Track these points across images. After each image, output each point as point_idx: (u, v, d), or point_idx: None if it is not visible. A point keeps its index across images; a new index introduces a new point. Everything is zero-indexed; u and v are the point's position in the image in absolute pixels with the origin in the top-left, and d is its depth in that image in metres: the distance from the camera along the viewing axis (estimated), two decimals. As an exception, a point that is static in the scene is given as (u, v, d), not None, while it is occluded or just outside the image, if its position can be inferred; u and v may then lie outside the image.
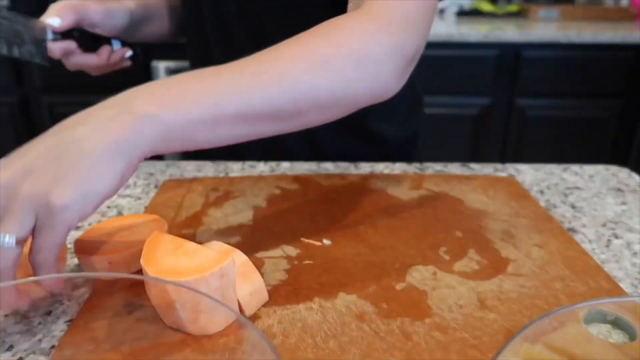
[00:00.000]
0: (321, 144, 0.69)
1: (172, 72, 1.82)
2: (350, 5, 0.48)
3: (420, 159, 0.73)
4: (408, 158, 0.75)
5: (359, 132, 0.69)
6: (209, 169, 0.64)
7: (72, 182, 0.31)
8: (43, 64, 0.59)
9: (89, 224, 0.50)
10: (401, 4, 0.42)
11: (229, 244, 0.42)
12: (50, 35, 0.58)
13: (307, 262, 0.43)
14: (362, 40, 0.40)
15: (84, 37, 0.62)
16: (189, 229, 0.48)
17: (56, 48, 0.59)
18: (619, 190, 0.59)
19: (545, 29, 1.87)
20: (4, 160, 0.33)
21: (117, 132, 0.33)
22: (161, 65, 1.82)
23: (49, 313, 0.37)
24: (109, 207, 0.54)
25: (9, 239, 0.30)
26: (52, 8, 0.58)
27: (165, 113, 0.34)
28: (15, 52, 0.55)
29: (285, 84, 0.37)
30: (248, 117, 0.36)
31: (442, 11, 2.22)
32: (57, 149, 0.32)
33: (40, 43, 0.57)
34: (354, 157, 0.68)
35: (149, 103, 0.34)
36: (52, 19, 0.57)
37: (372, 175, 0.61)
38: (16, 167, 0.31)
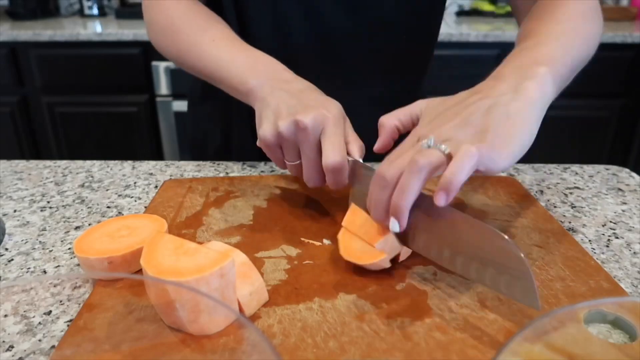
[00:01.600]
0: (365, 142, 0.70)
1: (172, 72, 1.82)
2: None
3: None
4: None
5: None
6: (208, 169, 0.64)
7: (503, 142, 0.37)
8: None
9: (89, 224, 0.51)
10: None
11: (229, 244, 0.42)
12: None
13: (307, 262, 0.43)
14: (594, 27, 0.53)
15: None
16: (189, 229, 0.48)
17: None
18: (619, 190, 0.59)
19: (545, 29, 1.87)
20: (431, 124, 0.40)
21: (532, 95, 0.40)
22: (161, 65, 1.82)
23: (49, 313, 0.37)
24: (109, 207, 0.54)
25: (444, 147, 0.36)
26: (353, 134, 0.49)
27: (553, 73, 0.42)
28: None
29: (582, 52, 0.49)
30: (573, 69, 0.47)
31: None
32: (486, 109, 0.38)
33: None
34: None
35: (538, 65, 0.42)
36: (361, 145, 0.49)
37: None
38: (458, 122, 0.38)
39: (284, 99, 0.47)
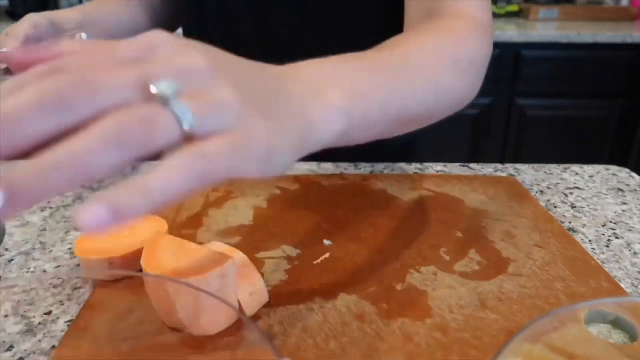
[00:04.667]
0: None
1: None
2: (416, 5, 0.49)
3: (421, 159, 0.73)
4: (408, 158, 0.75)
5: None
6: (209, 169, 0.64)
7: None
8: None
9: (89, 224, 0.50)
10: (488, 7, 0.44)
11: (229, 244, 0.42)
12: None
13: (307, 262, 0.43)
14: (476, 44, 0.40)
15: None
16: (189, 229, 0.48)
17: None
18: (619, 190, 0.59)
19: (545, 28, 1.87)
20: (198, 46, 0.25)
21: (307, 122, 0.28)
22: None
23: (49, 313, 0.37)
24: (109, 207, 0.54)
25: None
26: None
27: (354, 111, 0.30)
28: None
29: (434, 87, 0.36)
30: (404, 119, 0.35)
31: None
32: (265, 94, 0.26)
33: None
34: (356, 155, 0.69)
35: (343, 95, 0.30)
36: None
37: (372, 175, 0.61)
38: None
39: None
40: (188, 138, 0.22)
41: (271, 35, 0.63)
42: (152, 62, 0.23)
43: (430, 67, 0.36)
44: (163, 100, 0.21)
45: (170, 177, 0.20)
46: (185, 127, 0.21)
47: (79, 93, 0.20)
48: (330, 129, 0.29)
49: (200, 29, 0.66)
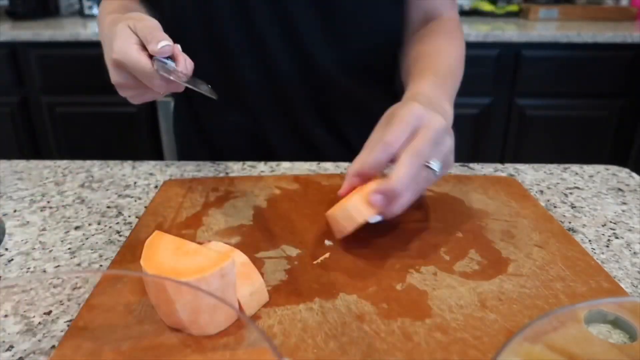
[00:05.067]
0: (352, 142, 0.73)
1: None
2: (416, 15, 0.69)
3: None
4: None
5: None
6: (208, 169, 0.64)
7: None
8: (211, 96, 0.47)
9: (89, 224, 0.50)
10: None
11: (229, 244, 0.42)
12: (166, 61, 0.46)
13: (308, 262, 0.43)
14: (463, 38, 0.67)
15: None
16: (189, 229, 0.48)
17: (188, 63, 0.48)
18: (619, 190, 0.59)
19: (545, 28, 1.87)
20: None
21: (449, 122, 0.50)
22: (161, 65, 1.82)
23: (49, 313, 0.37)
24: (109, 207, 0.54)
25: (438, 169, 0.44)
26: (153, 32, 0.46)
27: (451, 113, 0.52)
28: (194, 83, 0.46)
29: (459, 80, 0.62)
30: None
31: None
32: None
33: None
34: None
35: (448, 105, 0.52)
36: (165, 42, 0.45)
37: (372, 175, 0.61)
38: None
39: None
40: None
41: (291, 27, 0.63)
42: (428, 151, 0.42)
43: (459, 65, 0.62)
44: (433, 167, 0.43)
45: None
46: (438, 173, 0.44)
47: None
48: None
49: (218, 23, 0.64)
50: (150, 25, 0.47)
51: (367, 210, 0.42)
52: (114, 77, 0.48)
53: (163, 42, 0.45)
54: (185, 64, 0.46)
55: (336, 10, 0.64)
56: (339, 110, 0.72)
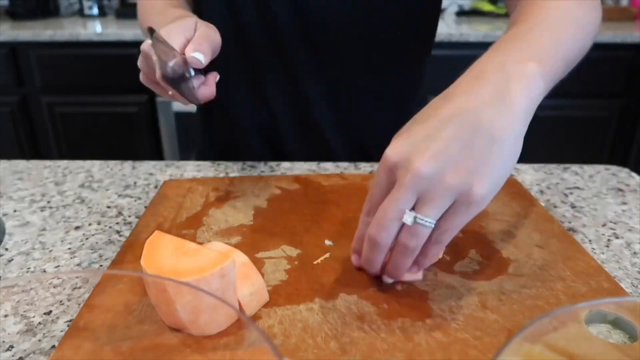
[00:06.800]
0: (364, 141, 0.72)
1: (172, 72, 1.81)
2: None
3: None
4: None
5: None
6: (209, 169, 0.64)
7: (490, 173, 0.34)
8: (194, 103, 0.48)
9: (89, 224, 0.50)
10: None
11: (229, 244, 0.42)
12: (191, 72, 0.46)
13: (308, 262, 0.43)
14: (592, 12, 0.49)
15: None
16: (189, 229, 0.48)
17: (205, 90, 0.47)
18: (619, 190, 0.59)
19: (545, 29, 1.87)
20: (403, 139, 0.35)
21: (518, 107, 0.35)
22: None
23: (49, 313, 0.37)
24: (109, 207, 0.54)
25: (430, 222, 0.34)
26: (202, 41, 0.46)
27: (545, 71, 0.37)
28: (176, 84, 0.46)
29: (579, 42, 0.46)
30: (568, 63, 0.43)
31: (442, 11, 2.23)
32: (467, 136, 0.34)
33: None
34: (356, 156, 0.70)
35: (527, 61, 0.37)
36: (197, 54, 0.44)
37: (372, 175, 0.61)
38: (433, 155, 0.33)
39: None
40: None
41: (310, 20, 0.63)
42: (396, 211, 0.34)
43: (573, 29, 0.45)
44: (422, 224, 0.34)
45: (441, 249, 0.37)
46: (429, 228, 0.34)
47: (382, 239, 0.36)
48: (535, 99, 0.37)
49: (235, 13, 0.64)
50: (207, 34, 0.46)
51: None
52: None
53: (199, 55, 0.44)
54: (207, 88, 0.46)
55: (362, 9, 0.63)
56: (354, 106, 0.71)
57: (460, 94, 0.36)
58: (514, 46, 0.39)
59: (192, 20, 0.48)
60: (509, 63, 0.36)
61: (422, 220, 0.34)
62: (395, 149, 0.35)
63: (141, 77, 0.49)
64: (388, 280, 0.39)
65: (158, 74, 0.44)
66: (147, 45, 0.45)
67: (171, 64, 0.44)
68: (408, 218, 0.34)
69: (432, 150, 0.33)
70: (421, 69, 0.73)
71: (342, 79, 0.68)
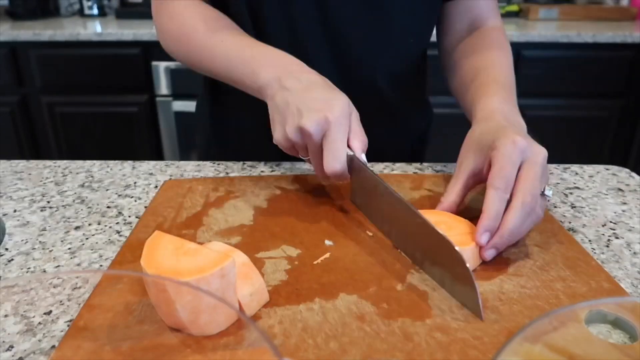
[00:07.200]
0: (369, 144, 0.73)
1: (172, 72, 1.82)
2: (460, 25, 0.69)
3: (426, 158, 0.73)
4: (419, 155, 0.77)
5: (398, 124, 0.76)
6: (209, 169, 0.64)
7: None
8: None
9: (89, 224, 0.50)
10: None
11: (229, 244, 0.42)
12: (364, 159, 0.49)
13: (308, 262, 0.43)
14: (509, 46, 0.66)
15: None
16: (190, 229, 0.48)
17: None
18: (619, 190, 0.59)
19: (545, 28, 1.87)
20: (521, 136, 0.45)
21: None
22: (161, 65, 1.82)
23: (49, 313, 0.37)
24: (109, 207, 0.54)
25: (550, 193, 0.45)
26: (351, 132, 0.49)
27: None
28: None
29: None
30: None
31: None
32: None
33: None
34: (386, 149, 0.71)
35: (519, 117, 0.54)
36: (363, 155, 0.48)
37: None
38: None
39: (290, 100, 0.48)
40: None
41: (331, 15, 0.63)
42: (539, 187, 0.44)
43: (513, 75, 0.61)
44: (547, 194, 0.45)
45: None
46: (550, 196, 0.47)
47: None
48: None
49: (259, 10, 0.63)
50: (357, 118, 0.50)
51: (477, 260, 0.42)
52: (283, 141, 0.50)
53: (364, 156, 0.48)
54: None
55: (384, 16, 0.64)
56: (373, 118, 0.71)
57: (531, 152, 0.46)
58: (511, 105, 0.55)
59: (344, 99, 0.48)
60: (511, 117, 0.53)
61: (549, 192, 0.45)
62: (521, 140, 0.44)
63: (289, 150, 0.51)
64: (490, 255, 0.42)
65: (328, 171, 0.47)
66: (343, 166, 0.46)
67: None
68: (549, 191, 0.45)
69: (538, 144, 0.46)
70: (425, 74, 0.76)
71: (360, 85, 0.68)
